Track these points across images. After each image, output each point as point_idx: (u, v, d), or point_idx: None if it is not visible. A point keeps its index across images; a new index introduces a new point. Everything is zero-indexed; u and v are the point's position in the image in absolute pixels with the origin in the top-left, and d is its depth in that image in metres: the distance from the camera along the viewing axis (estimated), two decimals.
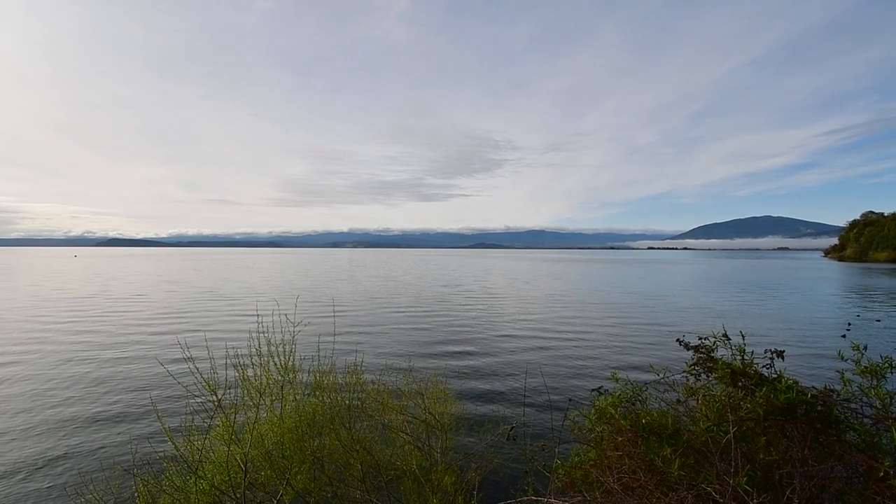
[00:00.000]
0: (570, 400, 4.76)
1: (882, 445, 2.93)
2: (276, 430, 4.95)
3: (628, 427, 3.32)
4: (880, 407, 3.06)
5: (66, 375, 13.70)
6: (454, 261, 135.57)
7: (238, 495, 4.48)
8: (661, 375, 3.82)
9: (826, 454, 3.00)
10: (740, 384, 3.46)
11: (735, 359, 3.58)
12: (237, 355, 5.22)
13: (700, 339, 3.90)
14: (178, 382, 5.12)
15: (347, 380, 5.85)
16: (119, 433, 9.59)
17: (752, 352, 3.60)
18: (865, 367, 3.13)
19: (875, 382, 3.09)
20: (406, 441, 5.77)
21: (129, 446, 8.85)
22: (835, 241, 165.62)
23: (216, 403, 4.73)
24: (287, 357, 5.42)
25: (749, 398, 3.28)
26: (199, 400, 5.05)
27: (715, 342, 3.76)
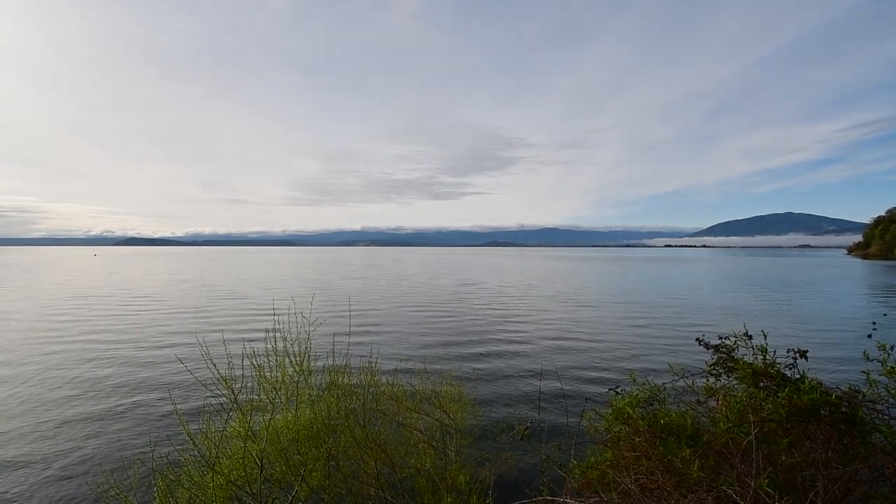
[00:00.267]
0: (586, 399, 4.71)
1: None
2: (291, 427, 5.01)
3: (646, 427, 3.28)
4: None
5: (89, 372, 14.06)
6: (467, 259, 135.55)
7: (254, 490, 4.54)
8: (680, 376, 3.76)
9: (851, 456, 2.93)
10: (762, 385, 3.38)
11: (757, 359, 3.50)
12: (254, 353, 5.29)
13: (720, 338, 3.83)
14: (196, 378, 5.20)
15: (362, 378, 5.88)
16: (138, 428, 9.80)
17: (775, 352, 3.52)
18: (892, 368, 3.04)
19: None
20: (420, 440, 5.78)
21: (147, 440, 9.04)
22: (859, 238, 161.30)
23: (233, 399, 4.80)
24: (302, 355, 5.47)
25: (771, 399, 3.21)
26: (216, 397, 5.14)
27: (736, 342, 3.68)
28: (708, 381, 3.70)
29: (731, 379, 3.61)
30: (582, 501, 3.34)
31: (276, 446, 4.85)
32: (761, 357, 3.49)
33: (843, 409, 3.03)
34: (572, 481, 3.68)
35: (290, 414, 5.13)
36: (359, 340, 17.97)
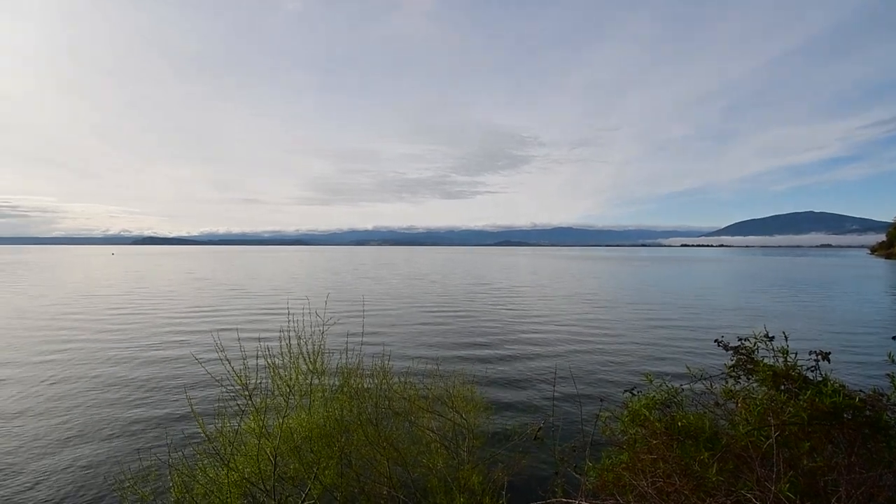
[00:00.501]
0: (601, 401, 4.66)
1: None
2: (304, 425, 5.05)
3: (663, 430, 3.23)
4: None
5: (107, 370, 14.36)
6: (480, 258, 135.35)
7: (268, 488, 4.59)
8: (698, 378, 3.69)
9: (874, 461, 2.87)
10: (783, 387, 3.31)
11: (777, 361, 3.42)
12: (268, 352, 5.34)
13: (740, 339, 3.75)
14: (211, 376, 5.28)
15: (375, 378, 5.90)
16: (154, 423, 9.98)
17: (796, 354, 3.44)
18: None
19: None
20: (432, 439, 5.78)
21: (163, 435, 9.20)
22: (882, 237, 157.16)
23: (247, 397, 4.86)
24: (316, 354, 5.51)
25: (792, 402, 3.14)
26: (231, 395, 5.20)
27: (756, 343, 3.60)
28: (727, 383, 3.64)
29: (750, 381, 3.54)
30: None
31: (289, 444, 4.90)
32: (782, 359, 3.42)
33: (867, 413, 2.96)
34: (587, 483, 3.65)
35: (303, 412, 5.17)
36: (371, 340, 18.05)
